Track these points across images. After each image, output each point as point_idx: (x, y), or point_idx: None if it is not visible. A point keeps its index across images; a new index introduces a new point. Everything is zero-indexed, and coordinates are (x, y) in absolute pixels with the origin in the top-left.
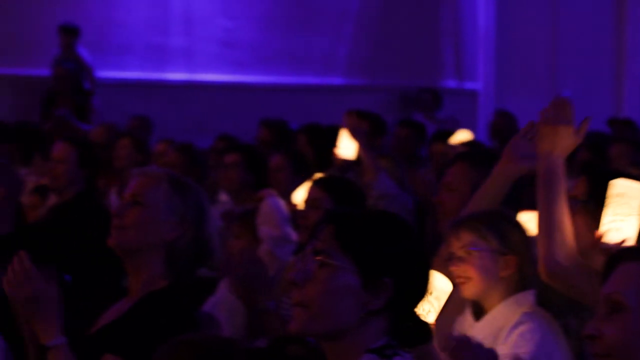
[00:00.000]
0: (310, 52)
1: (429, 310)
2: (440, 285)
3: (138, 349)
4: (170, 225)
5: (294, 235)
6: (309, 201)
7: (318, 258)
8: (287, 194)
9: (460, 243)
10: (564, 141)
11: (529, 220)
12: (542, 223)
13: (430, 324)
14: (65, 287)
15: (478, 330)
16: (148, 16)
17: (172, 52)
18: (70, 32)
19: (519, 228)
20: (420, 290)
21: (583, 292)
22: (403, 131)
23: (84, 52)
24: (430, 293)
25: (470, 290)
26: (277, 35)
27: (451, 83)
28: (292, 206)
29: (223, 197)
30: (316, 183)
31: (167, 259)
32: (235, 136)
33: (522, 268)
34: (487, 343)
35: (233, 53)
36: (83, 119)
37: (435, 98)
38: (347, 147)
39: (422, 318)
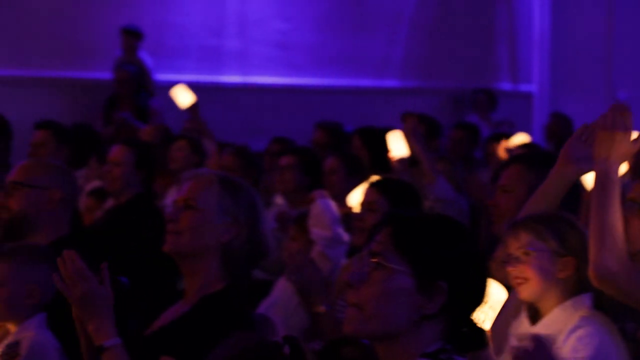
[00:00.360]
0: (365, 55)
1: (483, 318)
2: (494, 294)
3: (194, 352)
4: (224, 227)
5: (345, 236)
6: (365, 204)
7: (374, 260)
8: (341, 196)
9: (518, 243)
10: (620, 148)
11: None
12: (594, 227)
13: (486, 330)
14: (122, 289)
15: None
16: (203, 19)
17: (227, 55)
18: (132, 35)
19: (578, 230)
20: (477, 295)
21: (635, 297)
22: (457, 133)
23: (144, 56)
24: (487, 299)
25: (527, 292)
26: (332, 37)
27: (506, 85)
28: (347, 209)
29: (278, 199)
30: (372, 185)
31: (222, 260)
32: (289, 139)
33: (580, 270)
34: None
35: (288, 55)
36: (144, 121)
37: (490, 99)
38: (399, 147)
39: (478, 323)
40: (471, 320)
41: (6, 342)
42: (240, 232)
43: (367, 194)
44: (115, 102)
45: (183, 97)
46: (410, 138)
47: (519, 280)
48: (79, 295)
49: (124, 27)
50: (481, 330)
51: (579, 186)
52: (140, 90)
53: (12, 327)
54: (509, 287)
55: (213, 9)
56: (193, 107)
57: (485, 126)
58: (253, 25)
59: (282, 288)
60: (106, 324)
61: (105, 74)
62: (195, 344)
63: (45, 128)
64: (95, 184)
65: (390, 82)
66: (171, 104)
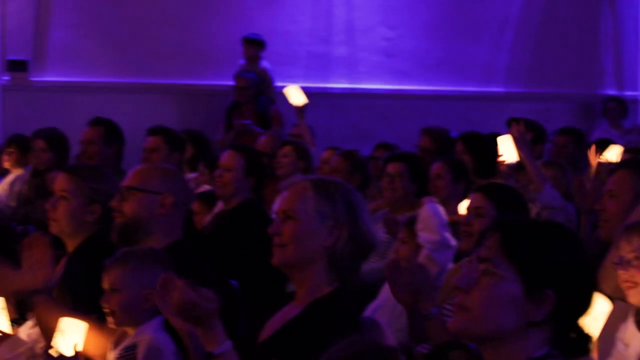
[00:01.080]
0: (470, 61)
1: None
2: (599, 305)
3: (304, 357)
4: (326, 230)
5: (452, 241)
6: (472, 209)
7: (482, 266)
8: (446, 201)
9: (630, 247)
10: None
11: None
12: None
13: (593, 336)
14: (233, 293)
15: None
16: (312, 27)
17: (335, 62)
18: (254, 43)
19: None
20: (584, 302)
21: None
22: (562, 139)
23: (267, 65)
24: (592, 309)
25: (636, 296)
26: (438, 44)
27: (612, 91)
28: (454, 214)
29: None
30: (479, 191)
31: (329, 263)
32: (395, 144)
33: None
34: None
35: (394, 62)
36: (265, 128)
37: (621, 106)
38: (508, 152)
39: (585, 329)
40: (578, 326)
41: (124, 345)
42: (342, 232)
43: (474, 199)
44: (235, 109)
45: (296, 97)
46: (517, 144)
47: (628, 284)
48: (185, 319)
49: (245, 36)
50: (588, 336)
51: None
52: (259, 97)
53: (130, 330)
54: (611, 298)
55: (321, 17)
56: (300, 112)
57: (616, 133)
58: (360, 33)
59: (389, 291)
60: (215, 331)
61: (224, 81)
62: (305, 349)
63: (158, 134)
64: (206, 188)
65: (495, 88)
66: (286, 110)
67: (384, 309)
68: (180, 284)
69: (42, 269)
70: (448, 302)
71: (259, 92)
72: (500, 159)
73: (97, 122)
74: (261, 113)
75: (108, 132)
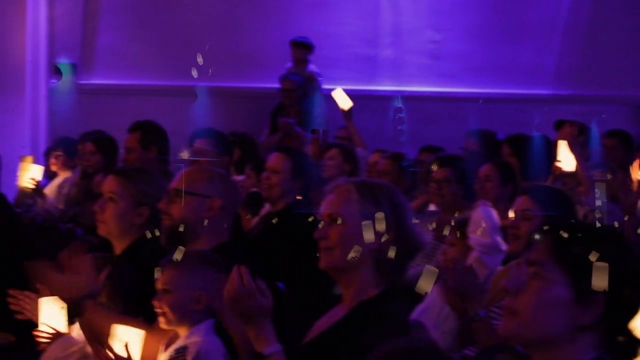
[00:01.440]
0: (517, 63)
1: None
2: None
3: (351, 359)
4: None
5: (503, 245)
6: (519, 211)
7: (532, 269)
8: (495, 204)
9: None
10: None
11: None
12: None
13: None
14: (279, 295)
15: None
16: (358, 29)
17: (381, 64)
18: (302, 47)
19: None
20: (634, 306)
21: None
22: (610, 141)
23: (314, 68)
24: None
25: None
26: (485, 46)
27: None
28: (506, 218)
29: (432, 206)
30: (526, 193)
31: (376, 265)
32: (440, 147)
33: None
34: None
35: (441, 64)
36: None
37: None
38: (567, 160)
39: (635, 332)
40: (627, 330)
41: (175, 346)
42: (388, 233)
43: (521, 202)
44: (281, 111)
45: (342, 100)
46: (569, 146)
47: None
48: (242, 310)
49: (293, 39)
50: (637, 340)
51: None
52: (305, 99)
53: (181, 332)
54: None
55: (368, 20)
56: (347, 115)
57: None
58: (406, 35)
59: (436, 294)
60: (267, 332)
61: (270, 84)
62: (352, 351)
63: (205, 136)
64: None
65: (542, 90)
66: (333, 113)
67: (431, 311)
68: (241, 270)
69: (85, 276)
70: (495, 305)
71: (305, 94)
72: (557, 164)
73: (134, 127)
74: (306, 115)
75: (144, 136)
